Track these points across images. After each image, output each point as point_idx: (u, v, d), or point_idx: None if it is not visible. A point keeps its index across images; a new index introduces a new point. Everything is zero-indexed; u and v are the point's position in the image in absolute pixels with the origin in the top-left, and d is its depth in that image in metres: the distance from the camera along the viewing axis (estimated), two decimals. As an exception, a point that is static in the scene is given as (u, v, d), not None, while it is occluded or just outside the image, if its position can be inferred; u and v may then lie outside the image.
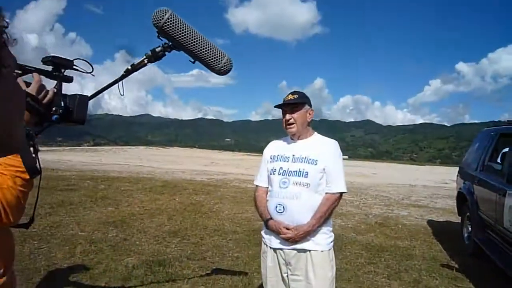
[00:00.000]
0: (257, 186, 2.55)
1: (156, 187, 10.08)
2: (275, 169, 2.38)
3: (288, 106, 2.36)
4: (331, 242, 2.36)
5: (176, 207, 7.59)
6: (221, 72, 2.08)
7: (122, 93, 2.10)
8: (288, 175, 2.30)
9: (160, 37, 2.02)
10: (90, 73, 1.41)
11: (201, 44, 2.01)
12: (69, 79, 1.31)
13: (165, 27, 1.96)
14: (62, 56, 1.30)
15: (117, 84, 2.10)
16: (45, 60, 1.27)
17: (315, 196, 2.28)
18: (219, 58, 2.05)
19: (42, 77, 1.23)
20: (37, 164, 1.13)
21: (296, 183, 2.26)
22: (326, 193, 2.29)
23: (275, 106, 2.40)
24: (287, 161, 2.35)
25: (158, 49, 2.04)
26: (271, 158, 2.46)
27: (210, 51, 2.03)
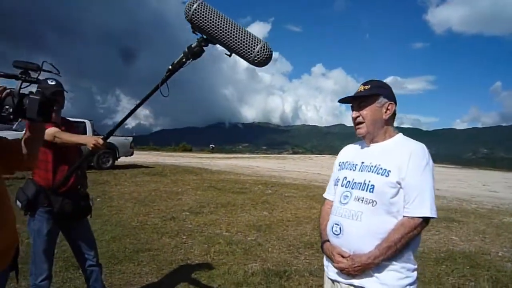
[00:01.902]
0: (325, 199, 2.07)
1: (319, 195, 9.89)
2: (339, 179, 1.88)
3: (355, 101, 1.82)
4: (409, 285, 1.68)
5: (312, 217, 7.21)
6: (256, 62, 1.77)
7: (166, 95, 2.05)
8: (352, 188, 1.77)
9: (195, 32, 1.88)
10: (57, 74, 1.47)
11: (231, 32, 1.76)
12: (32, 81, 1.39)
13: (194, 19, 1.81)
14: (26, 61, 1.39)
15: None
16: (15, 65, 1.37)
17: (384, 218, 1.67)
18: (252, 46, 1.75)
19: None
20: None
21: (358, 199, 1.72)
22: (404, 216, 1.66)
23: (339, 101, 1.89)
24: (354, 170, 1.82)
25: (193, 45, 1.91)
26: (339, 165, 1.97)
27: (241, 39, 1.75)
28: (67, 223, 2.77)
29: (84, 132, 13.93)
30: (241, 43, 1.76)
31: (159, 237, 5.43)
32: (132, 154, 15.72)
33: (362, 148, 1.89)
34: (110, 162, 14.51)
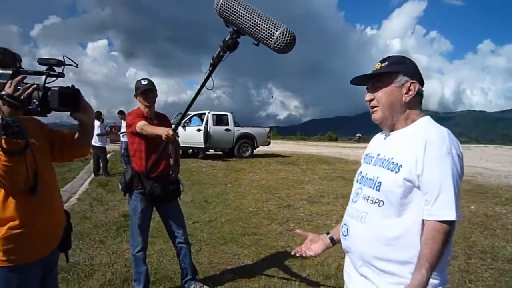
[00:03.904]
0: None
1: (463, 191, 8.72)
2: (357, 174, 1.67)
3: (370, 81, 1.56)
4: None
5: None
6: (276, 48, 1.78)
7: (211, 88, 2.21)
8: (364, 184, 1.55)
9: (227, 25, 1.97)
10: (76, 66, 1.60)
11: (252, 20, 1.80)
12: (55, 75, 1.53)
13: (221, 13, 1.93)
14: (49, 57, 1.56)
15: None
16: (39, 62, 1.55)
17: (392, 222, 1.40)
18: (271, 32, 1.75)
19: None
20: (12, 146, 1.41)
21: (365, 198, 1.50)
22: (426, 220, 1.35)
23: (351, 82, 1.62)
24: (369, 163, 1.59)
25: (227, 38, 2.00)
26: (364, 158, 1.73)
27: (261, 25, 1.78)
28: (159, 203, 3.19)
29: (227, 123, 15.35)
30: (261, 30, 1.76)
31: (269, 223, 5.68)
32: (269, 143, 16.57)
33: (385, 137, 1.62)
34: (249, 151, 15.61)
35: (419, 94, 1.50)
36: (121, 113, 11.45)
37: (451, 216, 1.31)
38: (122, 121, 11.01)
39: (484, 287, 3.56)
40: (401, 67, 1.50)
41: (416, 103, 1.51)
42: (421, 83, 1.51)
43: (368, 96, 1.56)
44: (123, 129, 10.61)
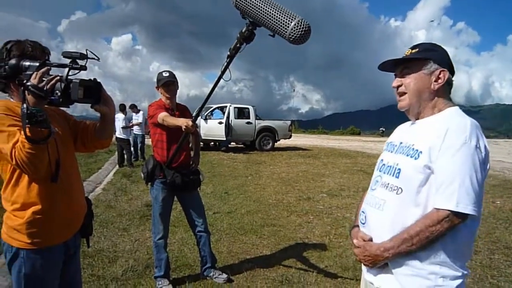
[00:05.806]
0: None
1: (489, 186, 8.49)
2: (378, 162, 1.67)
3: (398, 67, 1.55)
4: None
5: (483, 212, 6.19)
6: (292, 39, 1.80)
7: (228, 79, 2.25)
8: (384, 172, 1.55)
9: (244, 17, 2.00)
10: (97, 59, 1.64)
11: (266, 11, 1.84)
12: (78, 68, 1.56)
13: (238, 4, 1.95)
14: (73, 51, 1.60)
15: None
16: (63, 55, 1.58)
17: (411, 210, 1.39)
18: (286, 23, 1.77)
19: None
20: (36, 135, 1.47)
21: (384, 185, 1.49)
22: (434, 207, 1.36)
23: (379, 67, 1.61)
24: (391, 151, 1.59)
25: (243, 30, 2.04)
26: (386, 146, 1.73)
27: (276, 16, 1.80)
28: (179, 193, 3.26)
29: (249, 116, 15.40)
30: (276, 21, 1.79)
31: (288, 214, 5.72)
32: (290, 137, 16.55)
33: (409, 126, 1.61)
34: (270, 144, 15.63)
35: (448, 83, 1.49)
36: (133, 106, 11.83)
37: (448, 205, 1.29)
38: (134, 114, 11.50)
39: (507, 282, 3.50)
40: (432, 54, 1.48)
41: (444, 92, 1.50)
42: (451, 72, 1.49)
43: (396, 82, 1.55)
44: (134, 121, 11.30)
